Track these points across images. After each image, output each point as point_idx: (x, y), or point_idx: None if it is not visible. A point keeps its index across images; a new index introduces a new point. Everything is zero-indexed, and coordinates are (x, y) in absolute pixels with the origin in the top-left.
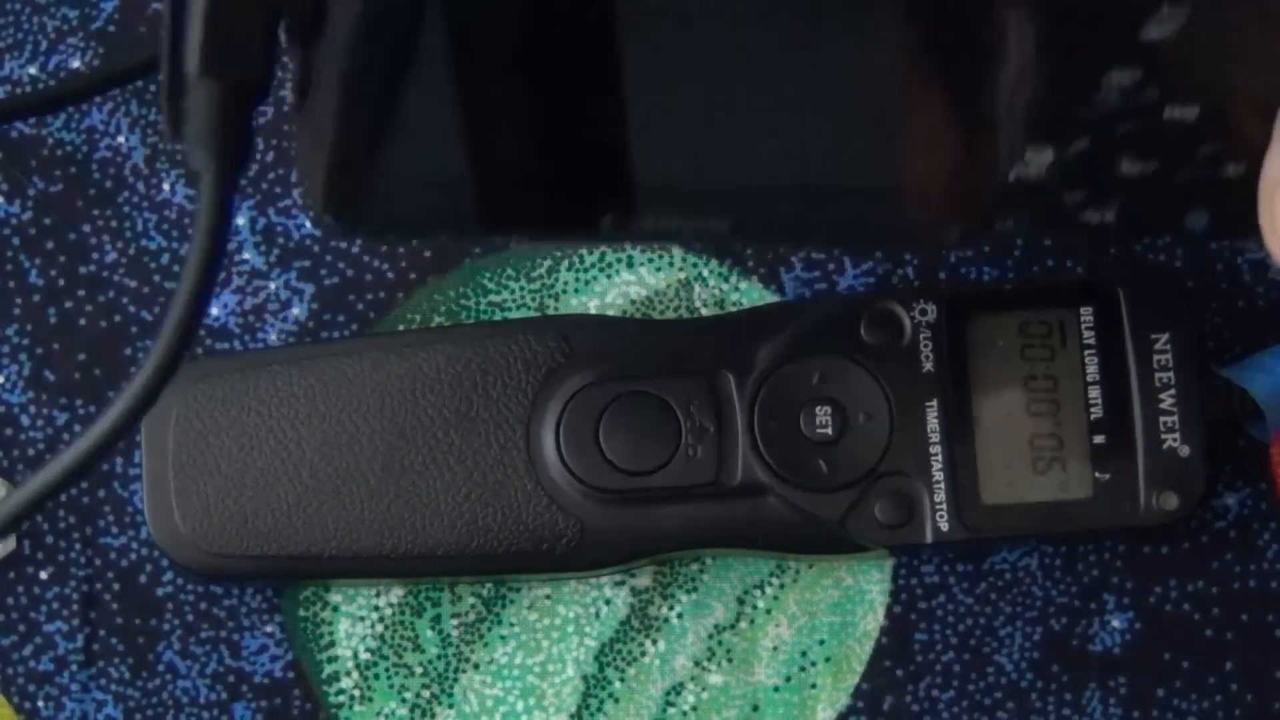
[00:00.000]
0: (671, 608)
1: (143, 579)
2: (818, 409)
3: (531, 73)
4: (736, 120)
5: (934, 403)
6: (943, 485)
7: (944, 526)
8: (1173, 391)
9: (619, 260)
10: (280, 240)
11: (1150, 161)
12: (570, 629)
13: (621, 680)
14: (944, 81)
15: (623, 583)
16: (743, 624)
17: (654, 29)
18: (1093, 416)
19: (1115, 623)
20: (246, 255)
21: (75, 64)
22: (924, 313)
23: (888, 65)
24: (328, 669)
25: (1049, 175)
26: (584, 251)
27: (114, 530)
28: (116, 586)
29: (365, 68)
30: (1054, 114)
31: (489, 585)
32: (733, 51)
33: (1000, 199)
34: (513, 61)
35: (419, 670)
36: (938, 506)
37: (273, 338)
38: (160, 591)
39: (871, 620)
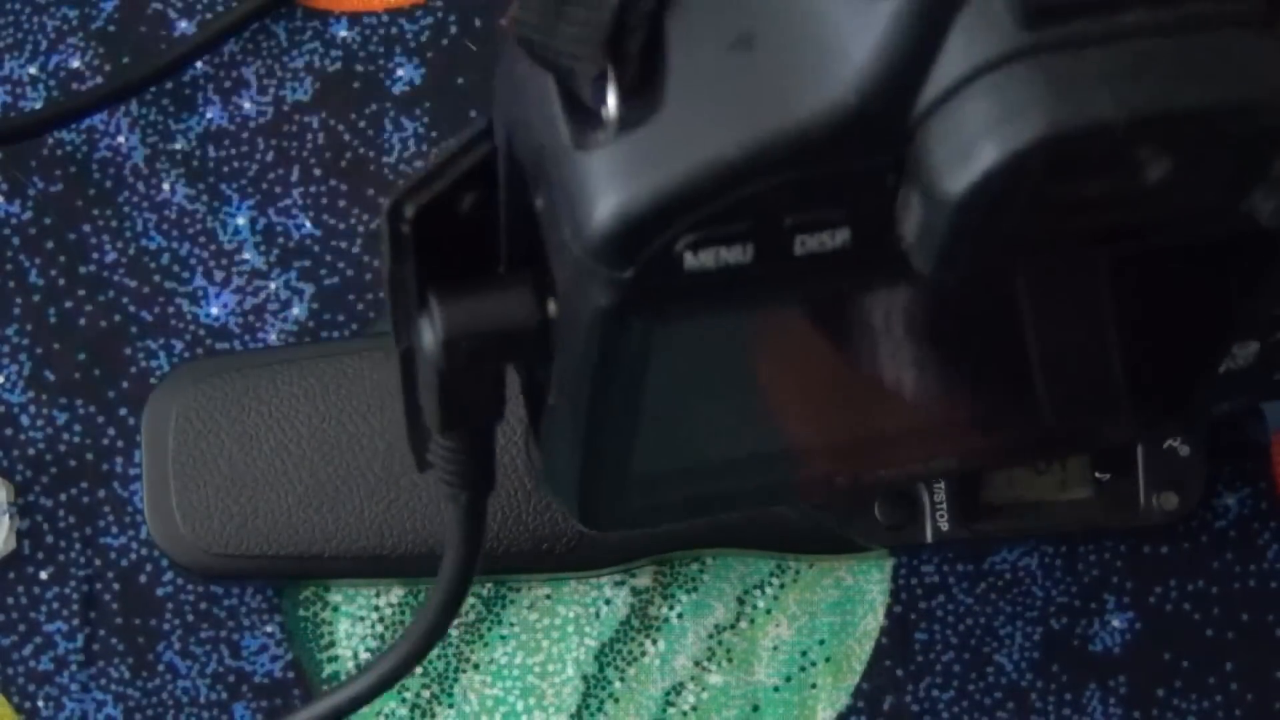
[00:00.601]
0: (671, 608)
1: (143, 579)
2: None
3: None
4: (986, 367)
5: None
6: (943, 485)
7: (944, 526)
8: None
9: None
10: (280, 240)
11: None
12: (570, 629)
13: (621, 680)
14: (1163, 312)
15: (623, 583)
16: (743, 624)
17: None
18: None
19: (1115, 623)
20: (246, 255)
21: (75, 64)
22: None
23: (1108, 305)
24: (328, 669)
25: (1256, 362)
26: None
27: (114, 530)
28: (116, 586)
29: (599, 393)
30: (1257, 315)
31: (489, 585)
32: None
33: (1213, 390)
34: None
35: (419, 670)
36: (938, 506)
37: (273, 338)
38: (160, 591)
39: (871, 620)
